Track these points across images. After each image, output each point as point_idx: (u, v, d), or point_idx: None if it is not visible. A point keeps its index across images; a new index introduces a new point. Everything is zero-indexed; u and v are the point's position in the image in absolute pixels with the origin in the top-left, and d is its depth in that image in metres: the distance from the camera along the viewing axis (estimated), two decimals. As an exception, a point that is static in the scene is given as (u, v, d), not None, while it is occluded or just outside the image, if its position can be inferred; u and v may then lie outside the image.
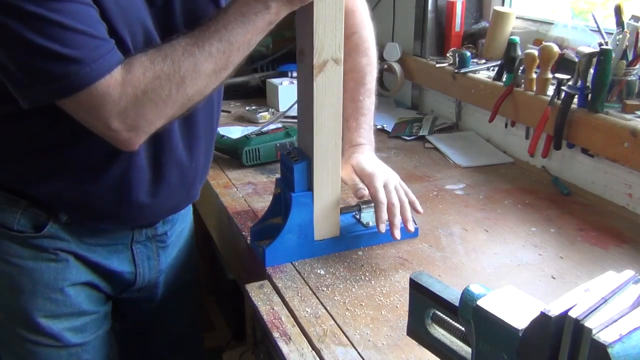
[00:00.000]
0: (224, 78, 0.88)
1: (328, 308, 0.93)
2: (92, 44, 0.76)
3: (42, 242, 0.97)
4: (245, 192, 1.35)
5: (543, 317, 0.52)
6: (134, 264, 1.09)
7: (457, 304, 0.63)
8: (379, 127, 1.80)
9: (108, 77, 0.77)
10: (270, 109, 1.92)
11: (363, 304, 0.94)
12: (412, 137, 1.74)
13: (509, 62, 1.55)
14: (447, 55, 1.82)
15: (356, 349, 0.83)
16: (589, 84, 1.30)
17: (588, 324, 0.50)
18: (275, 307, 0.94)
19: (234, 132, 1.75)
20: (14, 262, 0.97)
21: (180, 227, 1.19)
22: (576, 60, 1.35)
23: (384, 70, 2.05)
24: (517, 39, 1.56)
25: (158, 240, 1.12)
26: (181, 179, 1.03)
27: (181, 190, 1.05)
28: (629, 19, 1.27)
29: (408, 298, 0.72)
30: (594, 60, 1.28)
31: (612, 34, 1.30)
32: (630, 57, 1.26)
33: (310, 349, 0.84)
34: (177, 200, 1.07)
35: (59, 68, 0.75)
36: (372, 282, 1.00)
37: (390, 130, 1.80)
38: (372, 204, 1.09)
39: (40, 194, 0.94)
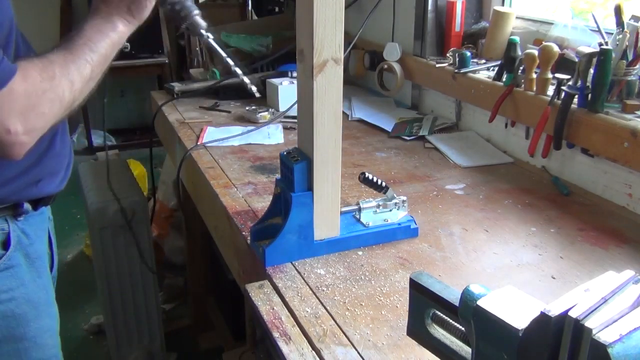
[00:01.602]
0: (95, 84, 1.01)
1: (328, 308, 0.93)
2: None
3: None
4: (245, 192, 1.35)
5: (543, 317, 0.52)
6: None
7: (457, 304, 0.63)
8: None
9: (10, 82, 0.83)
10: (270, 109, 1.92)
11: (363, 304, 0.94)
12: (412, 137, 1.74)
13: (509, 62, 1.55)
14: (447, 55, 1.82)
15: (356, 349, 0.83)
16: (589, 84, 1.30)
17: (588, 324, 0.50)
18: (275, 307, 0.94)
19: (234, 131, 1.75)
20: None
21: None
22: (576, 60, 1.35)
23: (384, 70, 2.06)
24: (517, 39, 1.56)
25: None
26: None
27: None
28: (629, 19, 1.27)
29: (408, 298, 0.72)
30: (594, 60, 1.28)
31: (612, 34, 1.30)
32: (630, 57, 1.26)
33: (310, 349, 0.84)
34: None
35: None
36: (372, 282, 1.00)
37: (390, 130, 1.80)
38: (372, 204, 1.09)
39: None
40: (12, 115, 0.84)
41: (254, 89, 1.07)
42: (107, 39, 0.99)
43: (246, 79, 1.06)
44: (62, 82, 0.91)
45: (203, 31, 1.02)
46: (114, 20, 1.00)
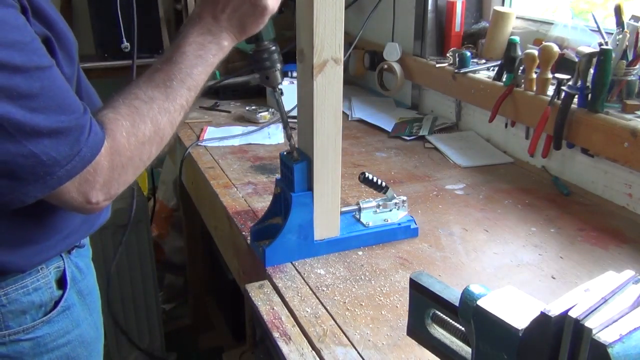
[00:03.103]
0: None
1: (328, 308, 0.93)
2: (81, 110, 0.74)
3: None
4: (245, 192, 1.35)
5: (543, 317, 0.52)
6: None
7: (457, 304, 0.63)
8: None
9: (97, 156, 0.75)
10: (270, 109, 1.92)
11: (363, 304, 0.94)
12: (412, 137, 1.74)
13: (509, 62, 1.55)
14: (447, 55, 1.82)
15: (356, 349, 0.83)
16: (589, 84, 1.30)
17: (588, 324, 0.50)
18: (275, 307, 0.94)
19: (234, 131, 1.75)
20: None
21: None
22: (576, 60, 1.35)
23: (384, 70, 2.06)
24: (517, 39, 1.56)
25: None
26: None
27: None
28: (629, 19, 1.27)
29: (408, 298, 0.72)
30: (594, 60, 1.28)
31: (612, 34, 1.30)
32: (630, 57, 1.26)
33: (310, 349, 0.84)
34: None
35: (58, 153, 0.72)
36: (372, 282, 1.00)
37: (390, 130, 1.80)
38: (372, 204, 1.09)
39: None
40: (96, 189, 0.76)
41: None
42: (207, 67, 0.87)
43: (293, 140, 1.06)
44: (152, 144, 0.82)
45: (278, 87, 1.00)
46: (222, 37, 0.87)
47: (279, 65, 0.99)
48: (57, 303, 0.93)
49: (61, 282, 0.95)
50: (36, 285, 0.89)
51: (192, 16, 0.89)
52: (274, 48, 0.98)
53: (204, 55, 0.86)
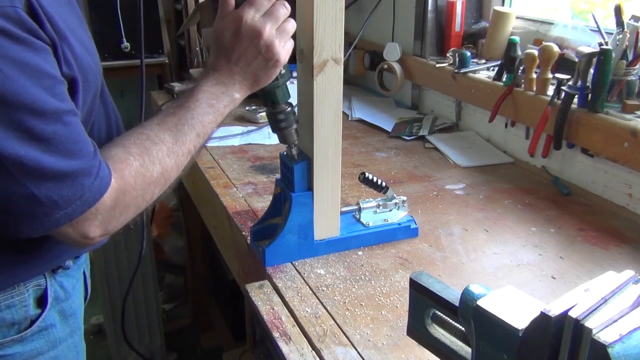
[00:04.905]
0: None
1: (328, 308, 0.93)
2: (91, 154, 0.74)
3: None
4: (245, 192, 1.35)
5: (543, 317, 0.52)
6: None
7: (457, 304, 0.63)
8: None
9: (102, 197, 0.75)
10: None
11: (363, 304, 0.94)
12: (412, 137, 1.74)
13: (509, 62, 1.55)
14: (447, 55, 1.82)
15: (356, 349, 0.83)
16: (589, 84, 1.30)
17: (588, 324, 0.50)
18: (275, 307, 0.94)
19: (234, 131, 1.75)
20: None
21: None
22: (576, 60, 1.35)
23: (384, 70, 2.06)
24: (517, 39, 1.56)
25: None
26: None
27: None
28: (629, 19, 1.27)
29: (408, 298, 0.72)
30: (594, 60, 1.28)
31: (612, 34, 1.30)
32: (630, 57, 1.26)
33: (310, 349, 0.84)
34: None
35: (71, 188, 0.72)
36: (372, 282, 1.00)
37: (390, 130, 1.80)
38: (372, 204, 1.09)
39: None
40: (94, 225, 0.76)
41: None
42: (218, 117, 0.89)
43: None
44: (157, 185, 0.82)
45: (293, 144, 1.02)
46: (234, 89, 0.90)
47: (294, 125, 1.01)
48: (33, 322, 0.90)
49: (41, 301, 0.92)
50: (9, 302, 0.87)
51: (207, 66, 0.91)
52: (289, 109, 0.99)
53: (216, 105, 0.88)
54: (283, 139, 1.02)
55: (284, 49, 0.90)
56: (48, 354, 0.94)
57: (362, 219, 1.14)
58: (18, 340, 0.89)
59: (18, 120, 0.67)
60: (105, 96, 0.96)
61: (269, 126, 1.82)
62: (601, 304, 0.52)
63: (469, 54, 1.72)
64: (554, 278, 1.02)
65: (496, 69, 1.61)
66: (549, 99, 1.39)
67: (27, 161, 0.68)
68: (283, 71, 0.95)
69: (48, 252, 0.89)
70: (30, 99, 0.67)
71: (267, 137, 1.74)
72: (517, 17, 1.73)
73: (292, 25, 0.91)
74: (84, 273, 1.08)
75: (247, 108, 1.95)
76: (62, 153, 0.71)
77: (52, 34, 0.72)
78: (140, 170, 0.79)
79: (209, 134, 0.89)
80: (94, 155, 0.75)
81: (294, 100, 1.01)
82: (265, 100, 0.99)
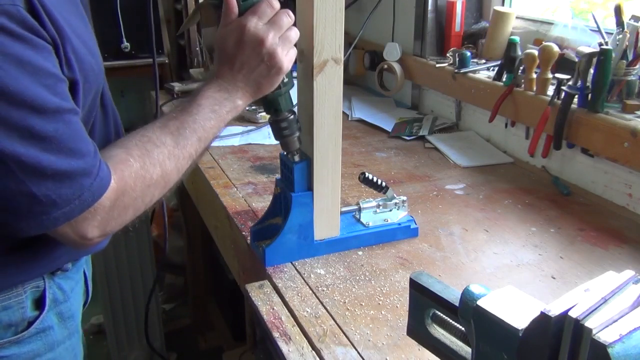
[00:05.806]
0: None
1: (328, 308, 0.93)
2: (91, 154, 0.74)
3: None
4: (245, 192, 1.35)
5: (543, 317, 0.52)
6: None
7: (457, 304, 0.63)
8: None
9: (101, 198, 0.74)
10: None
11: (363, 304, 0.94)
12: (412, 137, 1.74)
13: (509, 62, 1.55)
14: (447, 55, 1.82)
15: (356, 349, 0.83)
16: (589, 84, 1.30)
17: (588, 324, 0.50)
18: (275, 307, 0.94)
19: (234, 131, 1.75)
20: None
21: None
22: (576, 60, 1.35)
23: (384, 70, 2.06)
24: (517, 39, 1.56)
25: None
26: None
27: None
28: (629, 19, 1.27)
29: (408, 298, 0.72)
30: (594, 60, 1.28)
31: (612, 34, 1.30)
32: (630, 57, 1.26)
33: (310, 349, 0.84)
34: None
35: (71, 187, 0.72)
36: (372, 282, 1.00)
37: (390, 130, 1.80)
38: (372, 204, 1.08)
39: None
40: (93, 226, 0.76)
41: None
42: (220, 122, 0.89)
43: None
44: (157, 187, 0.82)
45: (295, 151, 1.02)
46: (237, 96, 0.90)
47: (297, 133, 1.01)
48: (30, 324, 0.90)
49: (39, 303, 0.91)
50: (6, 303, 0.86)
51: (211, 74, 0.92)
52: (292, 117, 1.00)
53: (218, 111, 0.89)
54: (286, 146, 1.02)
55: (286, 57, 0.90)
56: (45, 356, 0.93)
57: (362, 219, 1.14)
58: (15, 342, 0.88)
59: (19, 118, 0.67)
60: (106, 97, 0.96)
61: (269, 126, 1.82)
62: (601, 304, 0.52)
63: (469, 54, 1.72)
64: (554, 278, 1.02)
65: (496, 69, 1.61)
66: (549, 99, 1.39)
67: (27, 159, 0.68)
68: (286, 79, 0.96)
69: (47, 254, 0.89)
70: (31, 97, 0.67)
71: (267, 137, 1.74)
72: (517, 17, 1.73)
73: (295, 34, 0.91)
74: (85, 275, 1.08)
75: (246, 108, 1.94)
76: (63, 152, 0.71)
77: (54, 34, 0.72)
78: (140, 172, 0.79)
79: (210, 139, 0.90)
80: (94, 155, 0.75)
81: (294, 100, 1.01)
82: (268, 108, 0.99)
